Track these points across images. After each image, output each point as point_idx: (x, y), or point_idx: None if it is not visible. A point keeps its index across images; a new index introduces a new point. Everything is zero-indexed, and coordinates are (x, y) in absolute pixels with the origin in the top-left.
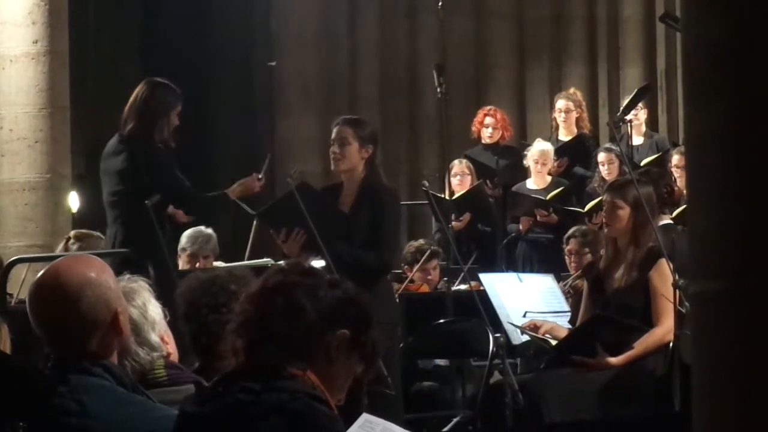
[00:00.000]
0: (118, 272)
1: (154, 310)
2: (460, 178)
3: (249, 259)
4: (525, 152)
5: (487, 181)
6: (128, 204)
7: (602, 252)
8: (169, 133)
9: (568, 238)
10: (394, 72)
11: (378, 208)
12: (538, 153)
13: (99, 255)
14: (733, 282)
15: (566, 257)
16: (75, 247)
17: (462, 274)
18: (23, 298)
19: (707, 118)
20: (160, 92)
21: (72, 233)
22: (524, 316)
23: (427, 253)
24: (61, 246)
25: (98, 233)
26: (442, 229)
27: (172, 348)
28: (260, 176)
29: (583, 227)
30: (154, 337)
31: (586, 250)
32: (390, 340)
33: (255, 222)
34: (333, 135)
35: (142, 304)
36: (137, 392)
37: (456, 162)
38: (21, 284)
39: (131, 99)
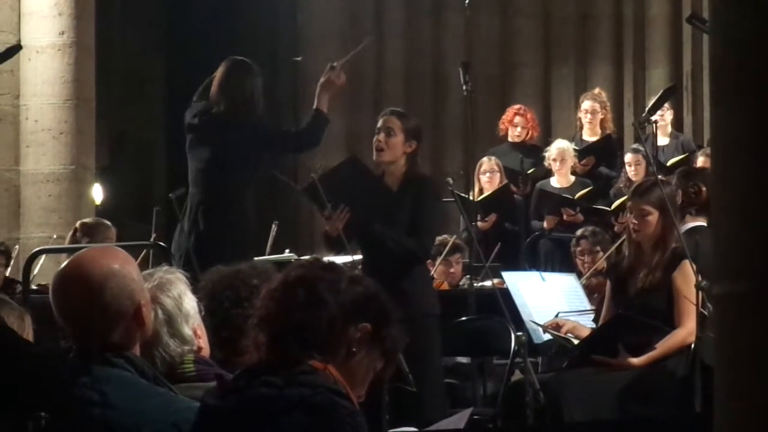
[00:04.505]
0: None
1: (190, 303)
2: (489, 176)
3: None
4: (544, 153)
5: (518, 179)
6: (211, 182)
7: (625, 251)
8: (255, 104)
9: (579, 239)
10: (419, 69)
11: (420, 196)
12: (556, 151)
13: (125, 247)
14: (756, 283)
15: (577, 259)
16: (85, 240)
17: (483, 271)
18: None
19: (733, 119)
20: (237, 71)
21: (78, 224)
22: (557, 316)
23: (450, 245)
24: (69, 237)
25: (107, 221)
26: (469, 228)
27: (204, 343)
28: (333, 64)
29: (590, 227)
30: (187, 330)
31: (598, 248)
32: (435, 332)
33: (274, 226)
34: (379, 124)
35: (177, 296)
36: (159, 384)
37: (485, 159)
38: None
39: (216, 79)
